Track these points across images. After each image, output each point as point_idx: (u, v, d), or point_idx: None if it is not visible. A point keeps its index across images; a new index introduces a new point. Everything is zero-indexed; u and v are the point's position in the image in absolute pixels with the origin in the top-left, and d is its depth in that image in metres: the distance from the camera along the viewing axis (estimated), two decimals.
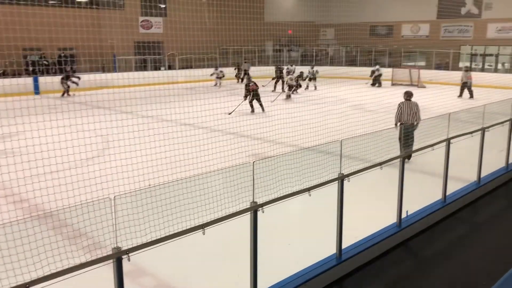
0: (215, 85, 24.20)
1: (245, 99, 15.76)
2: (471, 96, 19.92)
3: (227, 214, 3.68)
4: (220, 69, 24.87)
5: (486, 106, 7.59)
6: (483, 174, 7.26)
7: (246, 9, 23.22)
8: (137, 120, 7.94)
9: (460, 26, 29.33)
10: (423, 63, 29.66)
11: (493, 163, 7.89)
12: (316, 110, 12.97)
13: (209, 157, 7.14)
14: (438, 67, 28.23)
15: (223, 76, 24.65)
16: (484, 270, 4.90)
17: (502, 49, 28.01)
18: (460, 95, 20.19)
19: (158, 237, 3.31)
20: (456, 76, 23.39)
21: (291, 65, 25.47)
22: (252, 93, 15.69)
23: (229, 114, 14.19)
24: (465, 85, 20.16)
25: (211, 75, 24.28)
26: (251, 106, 15.76)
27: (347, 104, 16.50)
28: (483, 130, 7.21)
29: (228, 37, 25.46)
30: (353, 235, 5.14)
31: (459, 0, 28.66)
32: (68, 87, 19.94)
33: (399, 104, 9.23)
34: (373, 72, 25.16)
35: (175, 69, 27.23)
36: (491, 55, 28.49)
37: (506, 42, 27.61)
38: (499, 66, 28.08)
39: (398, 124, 9.15)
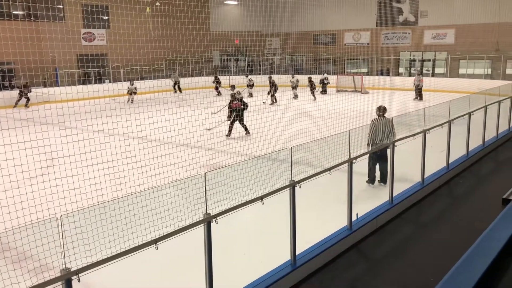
0: (128, 101, 22.59)
1: (228, 119, 13.79)
2: (421, 98, 21.29)
3: (180, 227, 3.63)
4: (134, 85, 23.52)
5: (426, 109, 7.96)
6: (426, 175, 7.59)
7: (191, 20, 23.15)
8: (82, 135, 7.67)
9: (398, 33, 30.68)
10: (365, 70, 30.75)
11: (435, 163, 8.26)
12: (266, 118, 13.09)
13: (160, 170, 7.02)
14: (380, 73, 29.38)
15: (135, 92, 23.30)
16: (431, 267, 5.11)
17: (438, 54, 29.55)
18: (416, 98, 21.80)
19: (109, 255, 3.21)
20: (397, 81, 24.44)
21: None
22: (235, 112, 13.54)
23: (208, 130, 13.13)
24: (417, 88, 21.75)
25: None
26: (230, 128, 13.44)
27: (296, 112, 16.76)
28: (424, 132, 7.54)
29: (174, 47, 25.26)
30: (306, 240, 5.22)
31: (396, 9, 29.99)
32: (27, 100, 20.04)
33: (372, 121, 8.10)
34: (321, 80, 25.79)
35: (120, 81, 26.66)
36: (428, 60, 29.97)
37: (441, 47, 29.15)
38: (436, 70, 29.58)
39: (371, 143, 8.01)
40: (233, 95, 14.29)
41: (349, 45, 32.35)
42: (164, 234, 3.53)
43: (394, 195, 6.67)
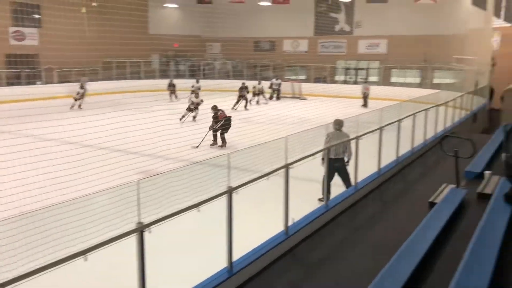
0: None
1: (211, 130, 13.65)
2: (366, 105, 22.31)
3: (111, 237, 3.51)
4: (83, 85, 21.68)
5: (359, 116, 8.27)
6: (359, 179, 7.87)
7: (129, 22, 22.62)
8: (4, 141, 7.23)
9: (334, 42, 31.71)
10: (303, 77, 31.49)
11: (368, 168, 8.58)
12: (206, 124, 13.04)
13: (93, 177, 6.78)
14: (317, 80, 30.21)
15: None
16: (365, 269, 5.28)
17: (372, 63, 30.86)
18: (364, 105, 22.95)
19: (33, 269, 3.03)
20: (333, 88, 25.23)
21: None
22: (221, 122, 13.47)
23: (196, 147, 12.69)
24: (364, 95, 22.83)
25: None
26: (216, 138, 13.53)
27: (236, 118, 16.80)
28: (357, 138, 7.82)
29: (111, 50, 24.57)
30: (244, 246, 5.23)
31: (333, 19, 30.99)
32: None
33: (327, 134, 7.93)
34: (271, 84, 26.14)
35: (53, 83, 25.50)
36: (362, 69, 31.21)
37: (374, 57, 30.48)
38: (370, 78, 30.87)
39: (326, 159, 7.62)
40: (215, 107, 14.24)
41: (288, 53, 33.00)
42: (94, 244, 3.39)
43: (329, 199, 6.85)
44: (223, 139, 13.55)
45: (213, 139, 13.70)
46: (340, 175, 8.33)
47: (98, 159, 8.19)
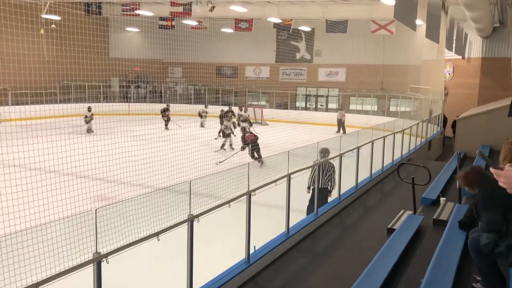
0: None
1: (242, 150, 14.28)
2: (344, 131, 22.67)
3: (66, 268, 3.37)
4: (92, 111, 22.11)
5: (320, 143, 8.41)
6: (320, 206, 7.94)
7: (89, 43, 22.34)
8: None
9: (295, 69, 32.39)
10: (265, 103, 31.87)
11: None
12: (165, 147, 12.86)
13: (51, 204, 6.52)
14: (279, 106, 30.64)
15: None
16: None
17: (331, 91, 31.63)
18: (338, 131, 23.25)
19: None
20: (294, 114, 25.64)
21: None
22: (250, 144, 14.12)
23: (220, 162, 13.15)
24: (340, 122, 23.19)
25: None
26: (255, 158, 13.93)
27: (197, 142, 16.70)
28: (317, 165, 7.93)
29: (70, 71, 24.08)
30: (204, 275, 5.13)
31: (294, 47, 31.71)
32: None
33: (313, 162, 8.02)
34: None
35: (7, 105, 24.64)
36: (322, 96, 31.93)
37: (334, 84, 31.29)
38: (329, 105, 31.59)
39: (311, 188, 8.15)
40: (244, 128, 15.10)
41: (250, 79, 33.38)
42: (48, 276, 3.24)
43: (290, 226, 6.86)
44: (258, 158, 13.77)
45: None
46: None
47: (57, 186, 7.91)
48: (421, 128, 16.52)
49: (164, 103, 27.16)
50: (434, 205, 8.25)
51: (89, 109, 22.15)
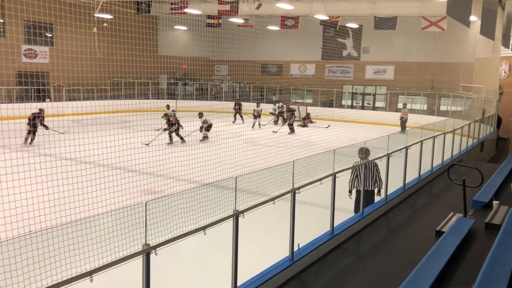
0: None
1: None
2: (403, 130, 21.88)
3: (117, 258, 3.49)
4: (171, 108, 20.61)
5: (366, 142, 8.26)
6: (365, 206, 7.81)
7: (139, 41, 22.97)
8: (10, 154, 7.24)
9: (342, 67, 31.95)
10: (310, 101, 31.64)
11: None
12: (209, 145, 13.08)
13: (97, 193, 6.77)
14: (323, 104, 30.33)
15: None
16: None
17: (378, 89, 30.98)
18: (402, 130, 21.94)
19: None
20: (339, 113, 25.31)
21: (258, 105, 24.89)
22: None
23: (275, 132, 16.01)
24: (402, 120, 22.36)
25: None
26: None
27: (240, 139, 16.84)
28: (364, 164, 7.79)
29: (120, 68, 24.85)
30: (248, 271, 5.17)
31: (340, 44, 31.30)
32: None
33: (353, 164, 7.77)
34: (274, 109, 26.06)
35: (61, 100, 25.76)
36: (369, 94, 31.32)
37: (381, 82, 30.62)
38: (377, 104, 30.95)
39: (354, 191, 7.94)
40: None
41: (295, 76, 33.25)
42: (100, 265, 3.37)
43: (335, 225, 6.79)
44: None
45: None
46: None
47: (108, 179, 8.19)
48: (473, 128, 15.89)
49: (210, 100, 27.57)
50: (486, 208, 7.92)
51: (168, 107, 20.79)
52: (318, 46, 31.64)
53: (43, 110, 16.80)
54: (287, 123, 20.54)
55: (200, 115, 18.56)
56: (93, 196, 6.86)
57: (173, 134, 17.25)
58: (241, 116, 24.92)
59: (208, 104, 25.50)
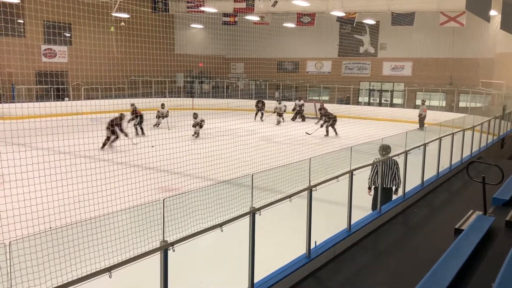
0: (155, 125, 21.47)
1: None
2: (422, 127, 21.61)
3: (135, 255, 3.54)
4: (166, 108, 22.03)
5: (384, 139, 8.19)
6: (383, 203, 7.75)
7: (156, 40, 23.17)
8: (31, 152, 7.38)
9: (359, 63, 31.69)
10: (326, 98, 31.48)
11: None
12: (226, 142, 13.10)
13: (116, 191, 6.85)
14: (340, 101, 30.15)
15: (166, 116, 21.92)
16: None
17: (396, 86, 30.66)
18: (420, 127, 21.60)
19: (60, 284, 3.07)
20: (356, 110, 25.14)
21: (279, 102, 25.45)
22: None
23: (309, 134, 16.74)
24: (421, 117, 22.06)
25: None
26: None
27: (256, 136, 16.87)
28: (381, 162, 7.73)
29: (137, 67, 25.11)
30: (265, 268, 5.19)
31: (357, 40, 31.05)
32: None
33: (374, 161, 7.66)
34: (295, 105, 26.05)
35: (80, 99, 26.13)
36: (386, 91, 31.02)
37: (399, 79, 30.29)
38: (394, 101, 30.64)
39: (373, 187, 7.87)
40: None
41: (311, 73, 33.11)
42: (119, 261, 3.42)
43: (352, 223, 6.75)
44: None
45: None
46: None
47: (125, 177, 8.29)
48: (493, 125, 15.62)
49: (227, 98, 27.69)
50: (507, 206, 7.78)
51: (163, 106, 22.12)
52: (334, 43, 31.45)
53: (123, 115, 16.53)
54: (324, 125, 20.10)
55: (195, 115, 19.03)
56: (112, 193, 6.94)
57: (138, 126, 18.69)
58: (262, 115, 24.94)
59: (224, 102, 25.56)
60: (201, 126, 18.89)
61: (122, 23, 25.23)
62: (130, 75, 28.19)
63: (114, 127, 15.14)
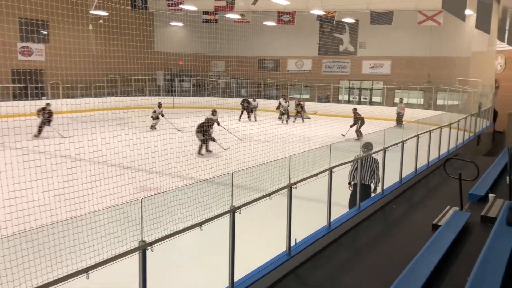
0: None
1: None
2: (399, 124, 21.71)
3: (113, 255, 3.50)
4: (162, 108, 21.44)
5: (362, 137, 8.27)
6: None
7: (135, 38, 22.90)
8: (4, 152, 7.24)
9: (338, 62, 31.92)
10: (307, 96, 31.63)
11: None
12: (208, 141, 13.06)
13: (93, 190, 6.76)
14: (320, 99, 30.35)
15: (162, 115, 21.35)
16: None
17: (375, 84, 30.99)
18: (397, 125, 21.75)
19: (35, 286, 3.02)
20: (337, 108, 25.32)
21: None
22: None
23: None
24: (399, 115, 22.16)
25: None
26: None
27: (237, 135, 16.85)
28: (360, 159, 7.81)
29: (117, 65, 24.79)
30: (245, 266, 5.19)
31: (337, 39, 31.26)
32: None
33: (355, 157, 7.80)
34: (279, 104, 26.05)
35: (58, 98, 25.69)
36: (366, 89, 31.33)
37: (378, 77, 30.63)
38: (373, 99, 30.97)
39: (352, 183, 7.96)
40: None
41: (292, 72, 33.21)
42: (96, 262, 3.38)
43: (331, 220, 6.81)
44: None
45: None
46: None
47: (103, 176, 8.19)
48: (469, 122, 15.93)
49: (208, 96, 27.58)
50: (482, 201, 7.96)
51: (160, 105, 21.43)
52: (314, 42, 31.59)
53: (213, 119, 15.94)
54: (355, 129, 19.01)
55: (159, 105, 19.87)
56: (89, 193, 6.85)
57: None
58: (249, 114, 24.83)
59: (205, 100, 25.44)
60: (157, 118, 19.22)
61: (101, 21, 24.86)
62: (109, 73, 27.84)
63: (204, 131, 14.47)
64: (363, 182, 7.91)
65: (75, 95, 26.22)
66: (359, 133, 18.32)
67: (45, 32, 26.72)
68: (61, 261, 3.22)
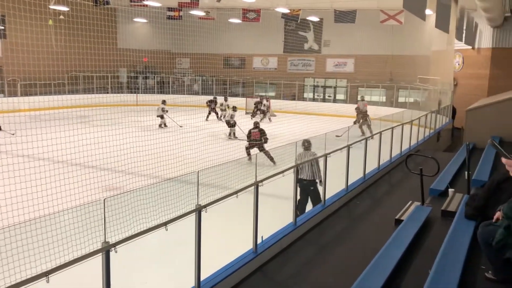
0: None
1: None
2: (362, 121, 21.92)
3: (75, 257, 3.40)
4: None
5: (327, 134, 8.37)
6: (327, 196, 7.93)
7: (98, 34, 22.36)
8: None
9: (303, 60, 32.21)
10: (273, 94, 31.78)
11: (336, 185, 8.67)
12: (171, 139, 12.92)
13: (59, 194, 6.57)
14: (286, 97, 30.57)
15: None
16: (334, 286, 5.30)
17: (339, 82, 31.45)
18: (355, 123, 21.94)
19: None
20: (302, 105, 25.55)
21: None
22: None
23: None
24: (362, 112, 22.29)
25: None
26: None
27: (204, 133, 16.75)
28: (325, 156, 7.91)
29: (78, 61, 24.16)
30: (212, 265, 5.16)
31: (302, 37, 31.53)
32: None
33: (298, 155, 7.71)
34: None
35: (16, 95, 24.82)
36: (330, 87, 31.76)
37: (342, 75, 31.11)
38: (337, 96, 31.43)
39: (295, 180, 7.75)
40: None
41: (258, 69, 33.27)
42: (57, 265, 3.27)
43: (297, 217, 6.86)
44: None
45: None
46: (311, 198, 8.39)
47: (66, 176, 7.96)
48: (429, 119, 16.40)
49: (173, 94, 27.24)
50: (443, 196, 8.20)
51: (164, 102, 21.21)
52: (280, 39, 31.75)
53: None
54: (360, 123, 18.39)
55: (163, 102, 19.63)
56: (50, 194, 6.65)
57: None
58: (216, 114, 24.55)
59: (169, 98, 25.15)
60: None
61: (61, 16, 24.15)
62: (71, 70, 27.11)
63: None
64: (309, 179, 8.20)
65: (35, 93, 25.36)
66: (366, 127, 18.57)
67: (2, 27, 25.72)
68: (19, 265, 3.10)
